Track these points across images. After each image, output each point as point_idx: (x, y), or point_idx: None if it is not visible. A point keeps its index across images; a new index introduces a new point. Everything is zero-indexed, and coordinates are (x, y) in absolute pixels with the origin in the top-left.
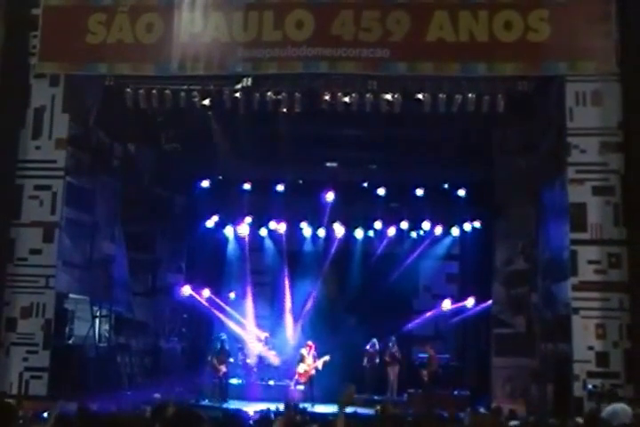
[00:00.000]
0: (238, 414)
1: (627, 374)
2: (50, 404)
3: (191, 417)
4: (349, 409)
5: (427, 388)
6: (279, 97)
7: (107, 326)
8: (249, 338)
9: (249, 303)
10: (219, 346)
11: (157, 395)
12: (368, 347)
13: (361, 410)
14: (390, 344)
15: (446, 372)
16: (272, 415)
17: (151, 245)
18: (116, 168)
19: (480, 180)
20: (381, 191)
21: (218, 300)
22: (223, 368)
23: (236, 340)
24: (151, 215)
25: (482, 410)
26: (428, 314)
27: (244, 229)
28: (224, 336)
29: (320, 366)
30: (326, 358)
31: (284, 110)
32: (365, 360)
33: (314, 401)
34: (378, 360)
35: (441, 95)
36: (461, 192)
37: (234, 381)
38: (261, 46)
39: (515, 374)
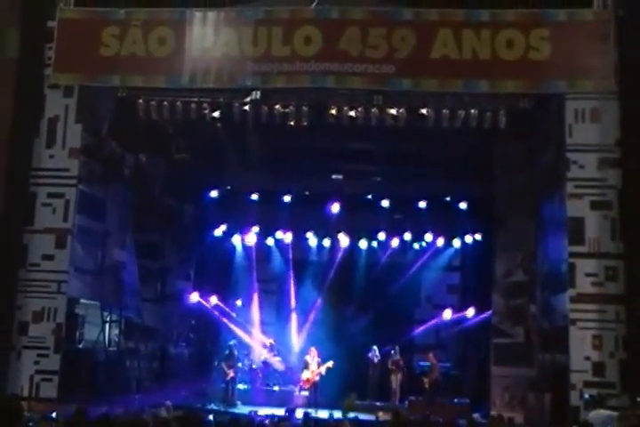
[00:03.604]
0: (248, 418)
1: (622, 383)
2: (60, 406)
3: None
4: (352, 415)
5: (427, 395)
6: (287, 110)
7: (116, 331)
8: (255, 344)
9: (255, 310)
10: (227, 351)
11: (169, 402)
12: (369, 355)
13: (363, 416)
14: (393, 352)
15: (447, 380)
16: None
17: (161, 252)
18: (128, 177)
19: (481, 193)
20: (385, 203)
21: (225, 307)
22: (231, 373)
23: (243, 346)
24: (161, 224)
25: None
26: (430, 323)
27: (251, 238)
28: (234, 342)
29: (323, 372)
30: (329, 363)
31: (292, 123)
32: (369, 367)
33: (317, 407)
34: (380, 368)
35: (444, 111)
36: (463, 205)
37: (240, 386)
38: (270, 61)
39: (513, 383)
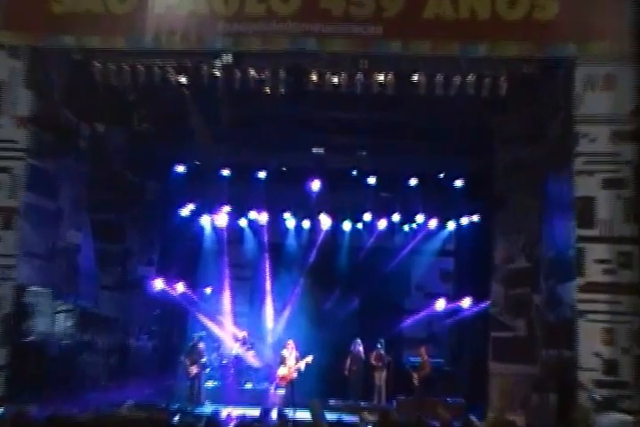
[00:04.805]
0: (213, 418)
1: (637, 383)
2: (6, 405)
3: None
4: (333, 416)
5: (418, 394)
6: (262, 76)
7: (70, 322)
8: (226, 337)
9: (226, 299)
10: (191, 344)
11: (130, 401)
12: (351, 348)
13: (346, 417)
14: (378, 346)
15: (439, 377)
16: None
17: (121, 234)
18: (83, 150)
19: (479, 170)
20: (372, 180)
21: (193, 295)
22: (194, 369)
23: (212, 339)
24: (121, 202)
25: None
26: (421, 314)
27: (222, 218)
28: (200, 334)
29: (302, 367)
30: (308, 358)
31: (268, 91)
32: (348, 362)
33: (295, 406)
34: (364, 363)
35: (438, 77)
36: (458, 183)
37: (209, 383)
38: (243, 20)
39: (514, 382)
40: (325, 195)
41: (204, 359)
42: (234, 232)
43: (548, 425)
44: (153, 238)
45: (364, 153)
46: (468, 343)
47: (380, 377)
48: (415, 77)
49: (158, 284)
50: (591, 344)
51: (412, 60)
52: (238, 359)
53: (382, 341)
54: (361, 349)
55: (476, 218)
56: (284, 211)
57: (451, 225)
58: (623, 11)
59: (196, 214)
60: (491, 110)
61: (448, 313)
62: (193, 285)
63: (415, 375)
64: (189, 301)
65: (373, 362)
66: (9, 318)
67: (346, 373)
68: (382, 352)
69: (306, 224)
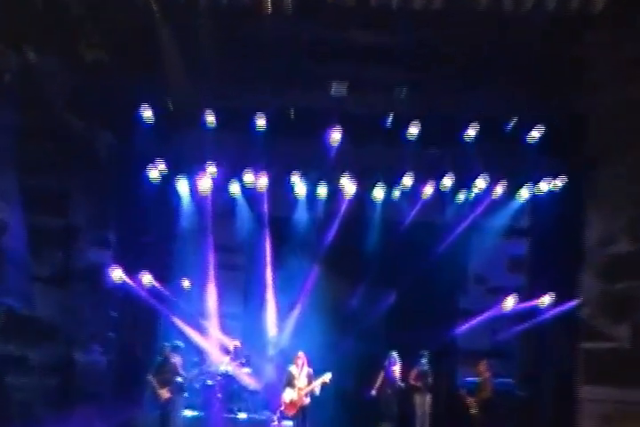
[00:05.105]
0: None
1: None
2: None
3: None
4: None
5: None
6: None
7: None
8: (211, 348)
9: (211, 296)
10: (161, 359)
11: None
12: (385, 363)
13: None
14: (422, 361)
15: (506, 405)
16: None
17: (63, 205)
18: (9, 87)
19: (565, 116)
20: (413, 130)
21: (164, 290)
22: (166, 394)
23: (192, 351)
24: (64, 161)
25: None
26: (482, 317)
27: (205, 183)
28: (179, 344)
29: (317, 390)
30: (326, 377)
31: (268, 6)
32: (379, 383)
33: None
34: (401, 384)
35: None
36: (536, 134)
37: (188, 412)
38: None
39: (615, 412)
40: (349, 151)
41: (179, 379)
42: (222, 202)
43: None
44: (108, 212)
45: (403, 91)
46: (548, 358)
47: (423, 403)
48: None
49: (116, 275)
50: None
51: None
52: (228, 379)
53: (426, 353)
54: (397, 364)
55: (559, 183)
56: (292, 173)
57: (524, 193)
58: None
59: (168, 178)
60: (582, 32)
61: (520, 316)
62: (165, 276)
63: (472, 401)
64: (160, 298)
65: (413, 382)
66: None
67: (375, 395)
68: (426, 369)
69: (322, 191)
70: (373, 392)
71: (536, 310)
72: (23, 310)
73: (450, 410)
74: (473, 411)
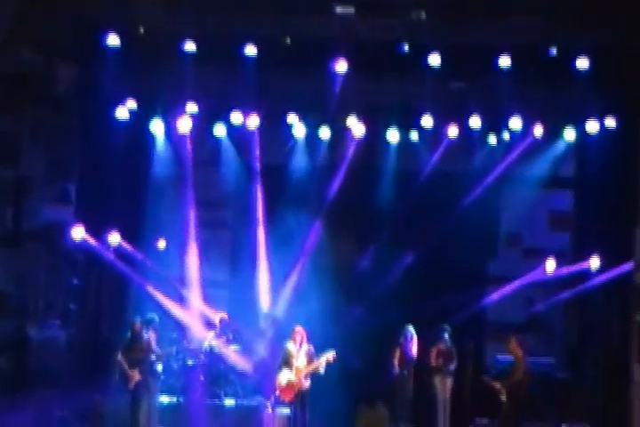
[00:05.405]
0: None
1: None
2: None
3: None
4: None
5: (509, 417)
6: None
7: None
8: (192, 322)
9: (192, 260)
10: (130, 335)
11: None
12: (400, 339)
13: None
14: (443, 336)
15: (546, 389)
16: None
17: (13, 152)
18: None
19: (617, 43)
20: (434, 60)
21: (136, 253)
22: (137, 375)
23: (169, 325)
24: (12, 96)
25: None
26: (516, 284)
27: (184, 124)
28: (154, 317)
29: (322, 369)
30: (330, 355)
31: None
32: (395, 362)
33: None
34: (418, 363)
35: None
36: (582, 63)
37: (164, 398)
38: None
39: None
40: (357, 84)
41: (154, 358)
42: (204, 147)
43: None
44: (68, 159)
45: (422, 13)
46: (596, 333)
47: (445, 387)
48: None
49: (77, 234)
50: None
51: None
52: (213, 358)
53: (449, 328)
54: (414, 340)
55: (611, 123)
56: (288, 111)
57: (569, 135)
58: None
59: (140, 117)
60: None
61: (562, 282)
62: (136, 235)
63: (501, 385)
64: (130, 262)
65: (434, 362)
66: None
67: (390, 376)
68: (449, 346)
69: (324, 133)
70: (396, 370)
71: (582, 276)
72: None
73: (477, 396)
74: (503, 397)
